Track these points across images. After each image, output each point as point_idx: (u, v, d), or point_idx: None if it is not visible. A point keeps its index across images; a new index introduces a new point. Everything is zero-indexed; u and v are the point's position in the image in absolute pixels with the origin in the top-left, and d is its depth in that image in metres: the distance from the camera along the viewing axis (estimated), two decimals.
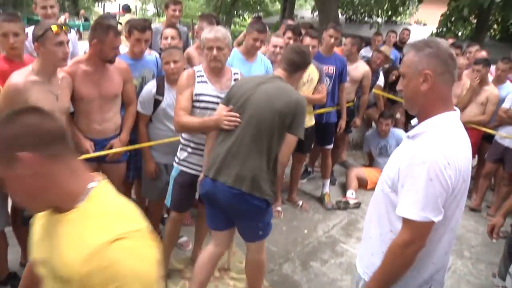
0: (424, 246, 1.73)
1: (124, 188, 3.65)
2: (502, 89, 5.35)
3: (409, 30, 8.56)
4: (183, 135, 3.12)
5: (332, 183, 5.60)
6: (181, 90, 2.98)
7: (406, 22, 14.81)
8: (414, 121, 1.90)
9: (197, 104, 2.96)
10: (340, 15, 12.50)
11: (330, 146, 5.11)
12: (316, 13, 10.72)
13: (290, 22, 5.83)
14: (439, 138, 1.70)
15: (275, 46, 4.29)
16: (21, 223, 3.02)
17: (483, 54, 6.07)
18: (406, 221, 1.71)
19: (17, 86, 2.66)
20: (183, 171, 3.11)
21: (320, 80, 4.37)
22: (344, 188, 5.48)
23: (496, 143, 5.16)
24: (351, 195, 5.17)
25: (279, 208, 4.67)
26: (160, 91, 3.41)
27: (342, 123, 5.03)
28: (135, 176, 3.80)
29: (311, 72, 4.28)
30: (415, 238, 1.71)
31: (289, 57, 2.90)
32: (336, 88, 4.83)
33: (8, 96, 2.67)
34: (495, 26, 12.11)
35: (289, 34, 4.44)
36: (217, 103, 2.88)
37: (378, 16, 13.63)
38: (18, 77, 2.69)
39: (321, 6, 9.12)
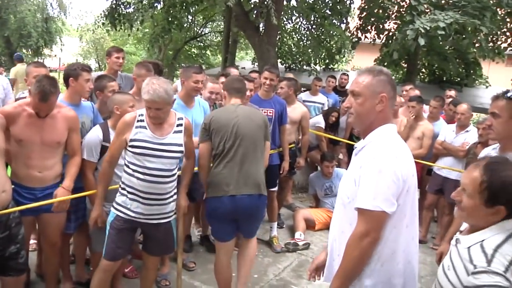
0: (379, 239, 1.83)
1: (62, 239, 3.46)
2: (436, 126, 5.66)
3: (347, 75, 8.99)
4: (122, 179, 3.04)
5: (280, 226, 5.53)
6: (116, 135, 3.01)
7: (343, 69, 15.46)
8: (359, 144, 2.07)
9: (132, 150, 2.94)
10: (280, 64, 12.90)
11: (275, 189, 5.08)
12: (257, 63, 10.99)
13: (233, 69, 5.87)
14: (385, 140, 1.91)
15: (211, 92, 4.35)
16: None
17: (417, 92, 6.42)
18: (360, 212, 1.82)
19: None
20: (120, 216, 3.00)
21: None
22: (292, 230, 5.42)
23: (435, 174, 5.35)
24: (300, 237, 5.11)
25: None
26: (106, 137, 3.35)
27: (285, 165, 5.02)
28: (76, 227, 3.59)
29: None
30: (369, 229, 1.79)
31: (236, 86, 3.61)
32: (276, 131, 4.85)
33: None
34: (423, 70, 12.87)
35: (222, 79, 4.50)
36: (156, 149, 2.93)
37: (316, 64, 14.15)
38: None
39: (260, 55, 9.38)
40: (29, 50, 23.46)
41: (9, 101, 4.14)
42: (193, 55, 21.23)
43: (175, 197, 3.19)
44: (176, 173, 3.13)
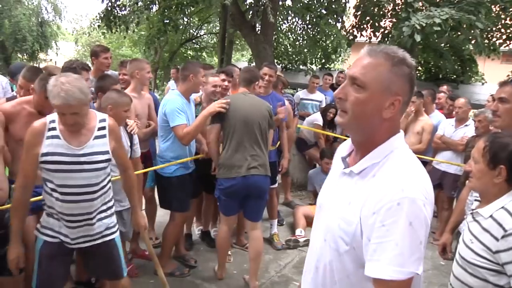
0: None
1: None
2: (432, 118, 5.67)
3: (344, 73, 8.97)
4: (43, 196, 2.59)
5: (280, 224, 5.52)
6: (25, 150, 2.47)
7: (339, 68, 15.49)
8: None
9: (45, 166, 2.45)
10: (276, 64, 12.91)
11: (275, 186, 5.07)
12: (253, 63, 10.99)
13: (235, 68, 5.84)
14: (404, 169, 1.29)
15: (215, 86, 4.32)
16: None
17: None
18: (382, 283, 1.23)
19: None
20: (48, 241, 2.57)
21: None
22: (292, 228, 5.41)
23: (434, 169, 5.35)
24: (300, 233, 5.10)
25: (228, 252, 4.51)
26: None
27: (284, 162, 5.02)
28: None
29: None
30: None
31: (244, 76, 4.03)
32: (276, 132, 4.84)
33: None
34: (419, 67, 12.90)
35: (222, 76, 4.49)
36: (74, 163, 2.45)
37: (312, 64, 14.17)
38: None
39: (257, 53, 9.39)
40: (24, 54, 23.43)
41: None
42: (189, 57, 21.21)
43: (109, 212, 2.72)
44: (106, 185, 2.66)
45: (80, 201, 2.50)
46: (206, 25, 20.43)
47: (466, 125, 5.22)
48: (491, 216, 1.89)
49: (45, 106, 2.87)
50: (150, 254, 3.48)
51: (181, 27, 16.87)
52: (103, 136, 2.58)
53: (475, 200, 2.40)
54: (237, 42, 18.58)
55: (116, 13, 11.99)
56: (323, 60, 14.41)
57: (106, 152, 2.58)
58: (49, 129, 2.44)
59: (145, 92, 4.38)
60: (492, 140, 1.95)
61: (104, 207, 2.67)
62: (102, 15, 11.91)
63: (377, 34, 10.76)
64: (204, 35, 22.02)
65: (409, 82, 1.31)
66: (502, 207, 1.88)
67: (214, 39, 21.28)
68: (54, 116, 2.48)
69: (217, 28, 18.43)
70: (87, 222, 2.56)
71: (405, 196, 1.21)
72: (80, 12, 48.80)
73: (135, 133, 3.52)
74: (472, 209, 2.11)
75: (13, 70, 4.69)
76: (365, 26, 10.80)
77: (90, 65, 4.52)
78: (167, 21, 13.70)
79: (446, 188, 5.20)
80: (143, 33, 18.03)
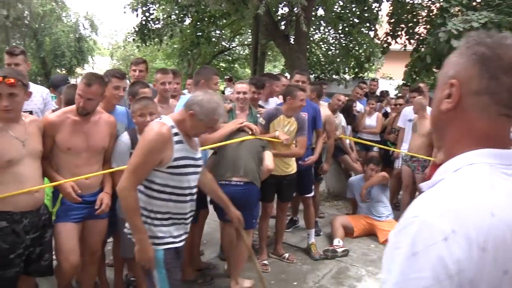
0: None
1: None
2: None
3: (377, 81, 8.98)
4: (152, 207, 2.56)
5: (317, 234, 5.43)
6: (147, 153, 2.42)
7: (373, 77, 15.32)
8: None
9: (175, 170, 2.50)
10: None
11: (310, 194, 4.99)
12: (286, 74, 11.00)
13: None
14: (455, 187, 0.89)
15: (239, 93, 4.23)
16: None
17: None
18: None
19: None
20: (167, 249, 2.58)
21: (299, 130, 4.33)
22: (329, 237, 5.31)
23: None
24: (338, 243, 5.00)
25: (265, 262, 4.47)
26: (134, 144, 3.20)
27: (325, 165, 5.13)
28: (111, 233, 3.60)
29: (290, 124, 4.30)
30: None
31: None
32: (310, 135, 4.79)
33: None
34: None
35: (253, 88, 4.46)
36: (193, 166, 2.58)
37: (345, 73, 14.06)
38: None
39: (291, 63, 9.39)
40: (63, 69, 24.15)
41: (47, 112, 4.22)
42: (222, 69, 21.41)
43: None
44: None
45: (188, 201, 2.62)
46: (238, 36, 20.58)
47: None
48: None
49: (83, 95, 2.99)
50: (247, 247, 3.49)
51: (213, 39, 17.06)
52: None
53: None
54: (269, 53, 18.63)
55: (150, 27, 12.27)
56: (356, 69, 14.26)
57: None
58: (174, 134, 2.50)
59: (173, 100, 4.36)
60: None
61: None
62: (137, 29, 12.19)
63: (412, 41, 10.59)
64: (236, 47, 22.19)
65: (479, 62, 0.93)
66: None
67: (246, 50, 21.43)
68: (169, 120, 2.52)
69: (249, 39, 18.54)
70: (188, 221, 2.71)
71: (423, 214, 0.85)
72: (115, 27, 50.17)
73: None
74: None
75: (54, 81, 4.81)
76: (399, 33, 10.65)
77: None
78: (200, 33, 13.91)
79: None
80: (176, 46, 18.30)
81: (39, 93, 4.00)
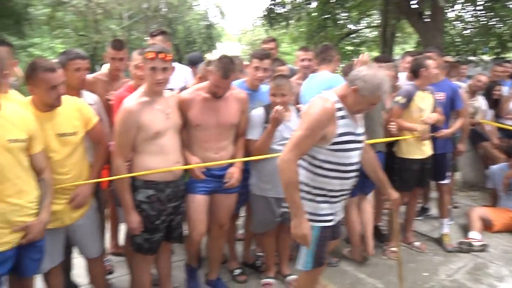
0: None
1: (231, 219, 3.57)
2: None
3: None
4: (314, 183, 2.56)
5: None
6: (311, 126, 2.41)
7: None
8: None
9: (339, 146, 2.47)
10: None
11: (446, 181, 4.62)
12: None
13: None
14: None
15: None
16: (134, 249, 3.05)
17: None
18: None
19: (130, 110, 2.77)
20: (324, 226, 2.61)
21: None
22: (464, 229, 4.89)
23: None
24: (475, 236, 4.56)
25: (393, 248, 4.24)
26: (268, 119, 3.22)
27: (460, 145, 4.89)
28: (239, 207, 3.69)
29: (428, 98, 4.13)
30: None
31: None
32: (448, 116, 4.42)
33: (122, 120, 2.79)
34: None
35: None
36: (355, 141, 2.53)
37: (483, 54, 12.86)
38: (130, 101, 2.81)
39: (426, 41, 8.85)
40: None
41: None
42: (348, 52, 20.87)
43: None
44: None
45: (351, 178, 2.59)
46: (366, 18, 19.85)
47: None
48: None
49: (221, 85, 3.05)
50: (395, 230, 3.51)
51: (340, 21, 16.66)
52: None
53: None
54: (398, 34, 17.70)
55: (277, 11, 12.41)
56: (498, 49, 12.90)
57: None
58: (338, 109, 2.45)
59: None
60: None
61: None
62: (265, 13, 12.40)
63: None
64: (363, 29, 21.44)
65: None
66: None
67: (374, 32, 20.60)
68: (333, 95, 2.48)
69: (377, 21, 17.79)
70: (346, 198, 2.71)
71: None
72: (243, 13, 51.72)
73: None
74: None
75: (192, 59, 4.97)
76: None
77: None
78: (327, 16, 13.69)
79: None
80: (302, 29, 18.23)
81: (181, 72, 4.21)
